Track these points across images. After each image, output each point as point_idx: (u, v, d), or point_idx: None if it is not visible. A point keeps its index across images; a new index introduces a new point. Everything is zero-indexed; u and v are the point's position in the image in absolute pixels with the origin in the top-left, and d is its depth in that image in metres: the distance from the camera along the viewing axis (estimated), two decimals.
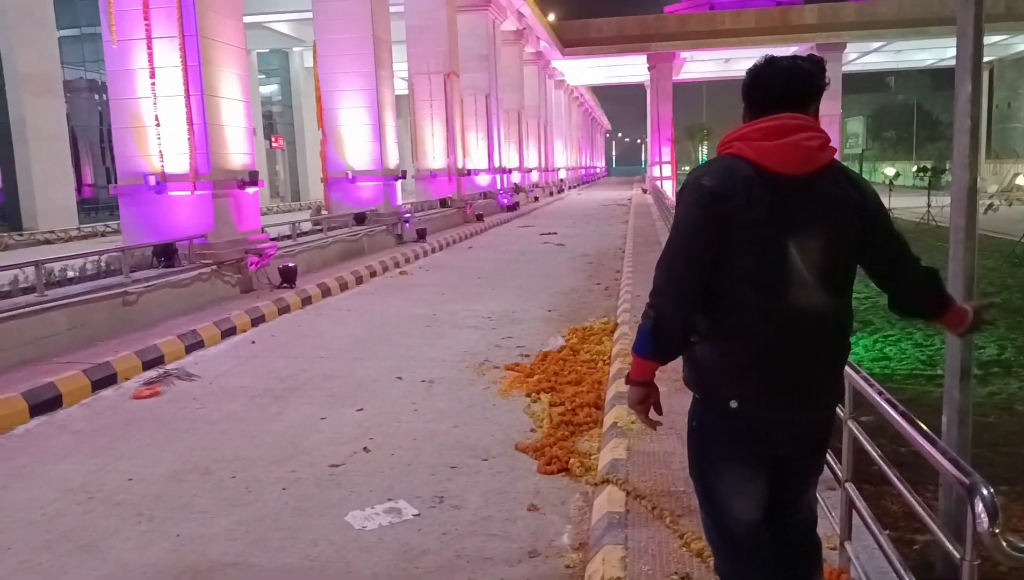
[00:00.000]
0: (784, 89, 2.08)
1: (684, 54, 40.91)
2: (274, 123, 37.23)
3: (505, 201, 28.16)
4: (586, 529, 3.66)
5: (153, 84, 10.02)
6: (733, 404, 2.07)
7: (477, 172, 27.08)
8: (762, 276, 2.02)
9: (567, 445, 4.73)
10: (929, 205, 20.97)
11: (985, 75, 43.60)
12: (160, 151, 10.12)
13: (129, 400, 6.17)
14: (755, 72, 2.14)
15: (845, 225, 2.07)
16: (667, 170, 41.49)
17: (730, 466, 2.17)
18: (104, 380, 6.48)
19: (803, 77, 2.09)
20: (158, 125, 10.07)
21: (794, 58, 2.14)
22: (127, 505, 4.14)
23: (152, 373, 6.86)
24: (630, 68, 47.38)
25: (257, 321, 9.02)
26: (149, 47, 9.97)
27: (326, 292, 10.95)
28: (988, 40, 36.22)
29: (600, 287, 10.90)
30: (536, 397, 5.79)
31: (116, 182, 10.66)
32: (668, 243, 2.13)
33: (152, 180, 10.13)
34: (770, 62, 2.13)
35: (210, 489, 4.32)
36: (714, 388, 2.12)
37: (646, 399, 2.21)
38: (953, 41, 3.21)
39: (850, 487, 2.85)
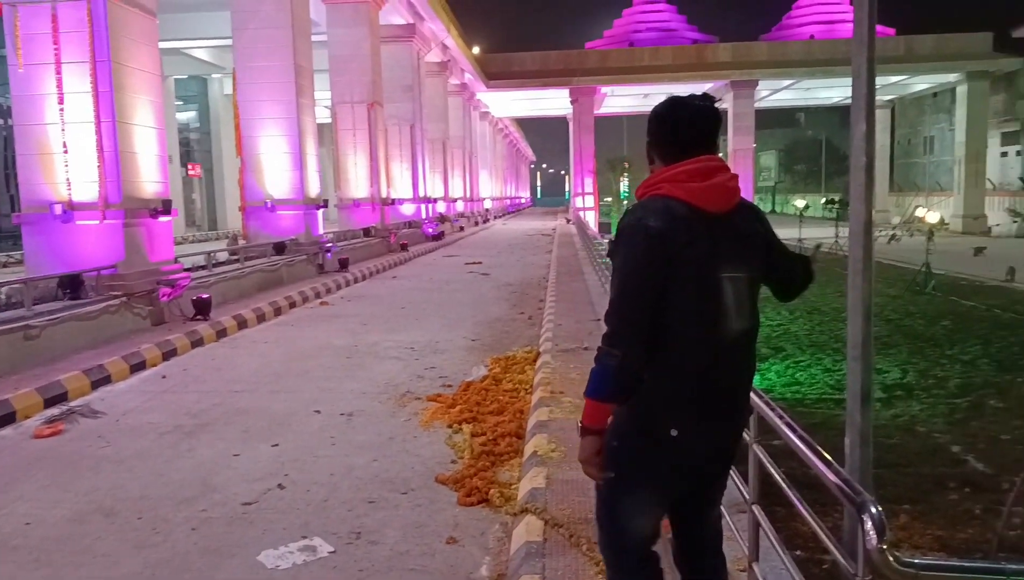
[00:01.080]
0: (697, 130, 2.22)
1: (605, 89, 41.86)
2: (191, 150, 36.31)
3: (430, 230, 28.13)
4: (504, 560, 3.65)
5: (62, 110, 9.69)
6: (674, 433, 2.16)
7: (401, 201, 26.99)
8: (702, 309, 2.14)
9: (488, 476, 4.72)
10: (837, 235, 21.91)
11: (887, 113, 46.20)
12: (68, 179, 9.77)
13: (29, 439, 5.85)
14: (666, 115, 2.25)
15: (758, 255, 2.26)
16: (590, 201, 42.22)
17: (646, 488, 2.27)
18: (2, 419, 6.14)
19: (714, 117, 2.25)
20: (66, 152, 9.73)
21: (695, 98, 2.27)
22: (23, 550, 3.92)
23: (54, 410, 6.54)
24: (553, 101, 48.22)
25: (168, 355, 8.72)
26: (58, 72, 9.66)
27: (242, 324, 10.69)
28: (888, 80, 38.44)
29: (524, 316, 10.97)
30: (458, 428, 5.77)
31: (20, 210, 10.21)
32: (619, 285, 2.17)
33: (58, 209, 9.75)
34: (678, 104, 2.25)
35: (115, 531, 4.13)
36: (653, 419, 2.18)
37: (600, 450, 2.19)
38: None
39: (756, 509, 2.93)
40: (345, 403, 6.59)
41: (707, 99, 2.27)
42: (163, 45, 12.00)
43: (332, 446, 5.50)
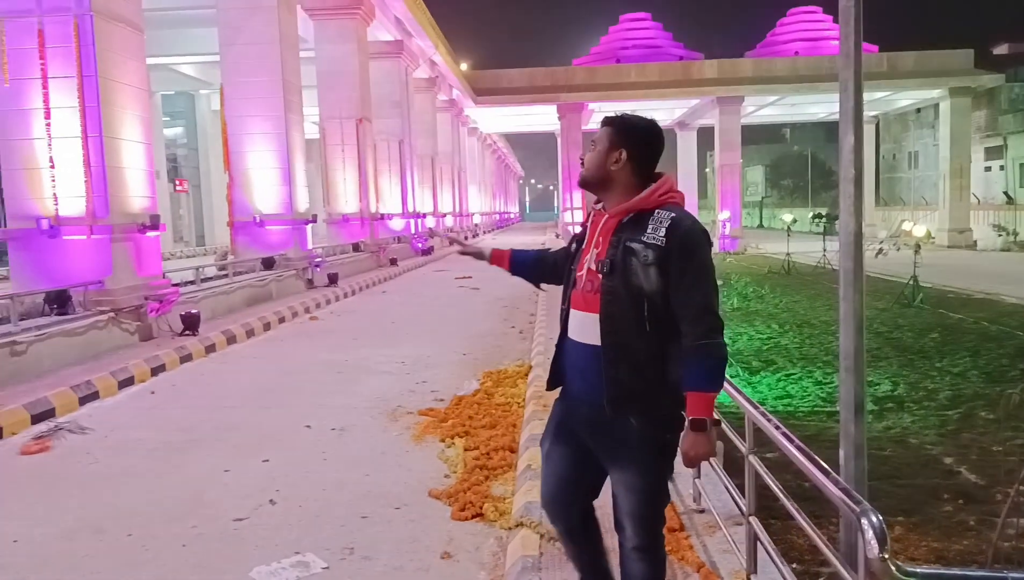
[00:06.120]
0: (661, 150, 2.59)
1: (592, 105, 42.09)
2: (179, 166, 36.18)
3: (419, 245, 28.11)
4: (500, 574, 3.62)
5: (48, 125, 9.63)
6: (684, 413, 2.46)
7: (391, 216, 26.98)
8: None
9: (481, 490, 4.69)
10: (825, 249, 22.04)
11: (872, 129, 46.67)
12: (54, 194, 9.69)
13: (16, 456, 5.78)
14: (659, 136, 2.57)
15: None
16: (578, 216, 42.33)
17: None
18: None
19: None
20: (52, 167, 9.66)
21: (655, 121, 2.61)
22: (10, 569, 3.86)
23: (42, 427, 6.46)
24: (541, 117, 48.42)
25: (157, 370, 8.65)
26: (45, 87, 9.60)
27: (231, 339, 10.62)
28: (873, 96, 38.85)
29: (515, 330, 10.96)
30: (450, 442, 5.74)
31: (5, 226, 10.14)
32: (708, 283, 2.40)
33: (45, 224, 9.67)
34: (658, 127, 2.59)
35: (104, 548, 4.07)
36: (680, 405, 2.45)
37: None
38: None
39: (754, 521, 2.92)
40: (336, 418, 6.55)
41: None
42: (150, 61, 11.98)
43: (323, 461, 5.45)
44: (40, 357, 8.04)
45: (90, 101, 9.63)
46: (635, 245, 2.39)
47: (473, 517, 4.33)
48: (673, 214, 2.40)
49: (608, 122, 2.56)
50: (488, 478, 4.92)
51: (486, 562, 3.79)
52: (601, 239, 2.50)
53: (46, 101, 9.63)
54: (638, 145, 2.50)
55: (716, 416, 2.69)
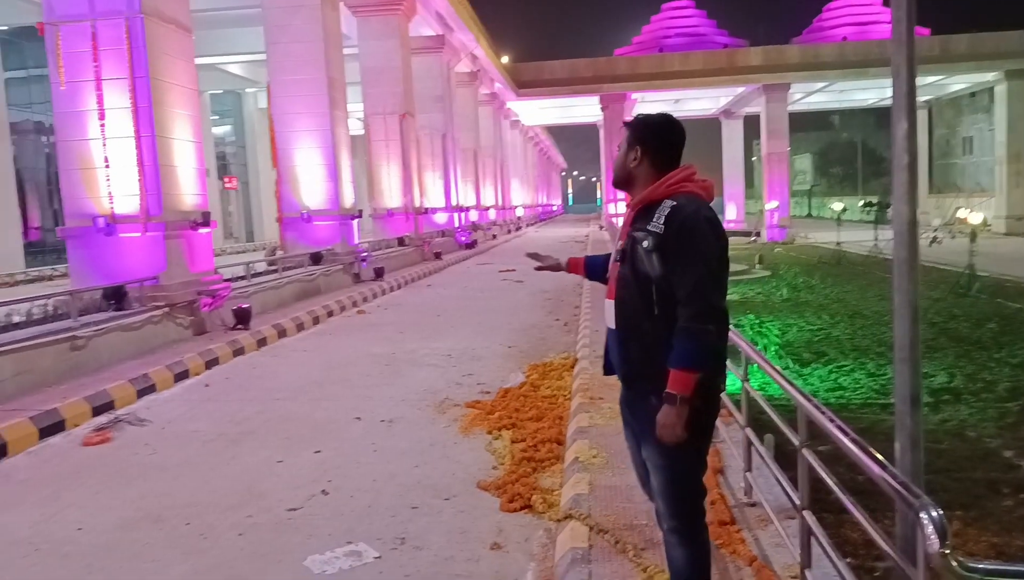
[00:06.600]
0: (684, 144, 2.71)
1: (635, 95, 41.74)
2: (227, 164, 36.94)
3: (463, 239, 28.24)
4: (550, 566, 3.64)
5: (102, 125, 9.89)
6: (721, 389, 2.70)
7: (434, 210, 27.16)
8: (726, 283, 2.61)
9: (529, 482, 4.70)
10: (876, 238, 21.56)
11: (924, 114, 45.44)
12: (109, 193, 9.96)
13: (78, 447, 5.98)
14: (672, 129, 2.70)
15: None
16: (622, 208, 42.10)
17: (708, 439, 2.77)
18: (52, 427, 6.28)
19: (685, 135, 2.73)
20: (107, 166, 9.93)
21: (672, 117, 2.76)
22: (75, 556, 4.00)
23: (102, 419, 6.67)
24: (583, 108, 48.22)
25: (211, 364, 8.85)
26: (98, 89, 9.87)
27: (282, 333, 10.81)
28: (925, 81, 37.81)
29: (559, 323, 10.95)
30: (497, 434, 5.77)
31: (64, 224, 10.44)
32: (700, 268, 2.49)
33: (101, 222, 9.95)
34: (675, 123, 2.72)
35: (163, 537, 4.19)
36: (711, 380, 2.60)
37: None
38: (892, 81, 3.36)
39: (808, 515, 2.88)
40: (385, 410, 6.63)
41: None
42: (198, 61, 12.19)
43: (374, 452, 5.53)
44: (99, 351, 8.28)
45: (142, 101, 9.87)
46: (639, 233, 2.59)
47: (522, 508, 4.35)
48: (675, 202, 2.55)
49: (625, 124, 2.81)
50: (536, 470, 4.93)
51: (536, 553, 3.81)
52: (624, 231, 2.72)
53: (100, 102, 9.89)
54: (652, 141, 2.67)
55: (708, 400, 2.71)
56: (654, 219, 2.53)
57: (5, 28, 21.45)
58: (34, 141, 26.77)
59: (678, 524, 2.67)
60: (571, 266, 3.23)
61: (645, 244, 2.54)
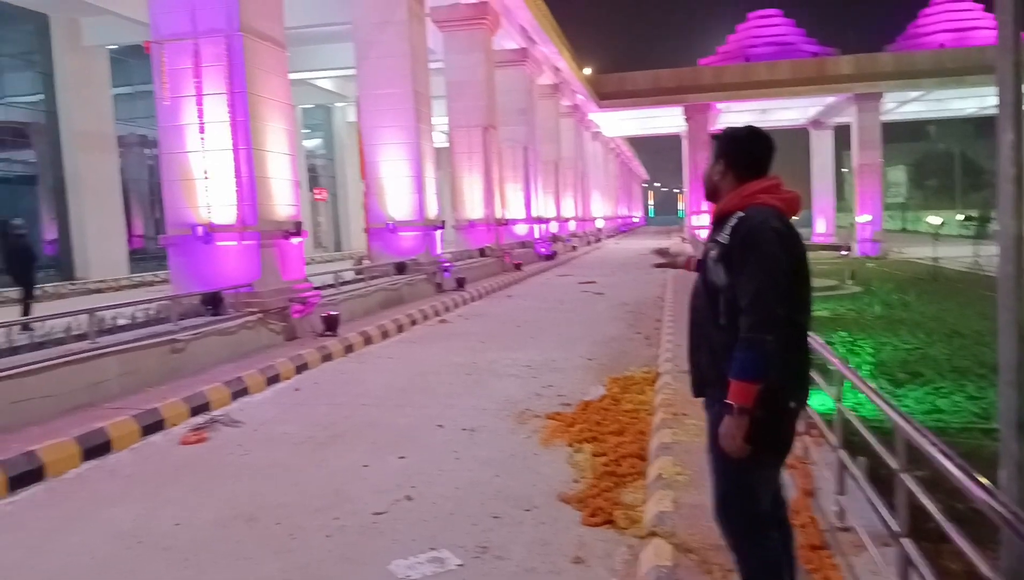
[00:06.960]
0: (770, 155, 2.71)
1: (720, 105, 41.09)
2: (317, 175, 38.10)
3: (543, 250, 28.31)
4: None
5: (202, 138, 10.36)
6: (792, 405, 2.62)
7: (515, 222, 27.34)
8: (805, 298, 2.60)
9: (611, 496, 4.67)
10: (978, 254, 20.58)
11: None
12: (208, 203, 10.42)
13: (176, 446, 6.26)
14: (754, 141, 2.71)
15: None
16: (706, 220, 41.42)
17: (776, 456, 2.71)
18: (152, 426, 6.61)
19: (774, 146, 2.73)
20: (206, 178, 10.39)
21: (761, 131, 2.76)
22: (174, 550, 4.19)
23: (199, 419, 6.97)
24: (665, 119, 47.75)
25: (301, 368, 9.14)
26: (199, 103, 10.35)
27: (368, 340, 11.07)
28: None
29: (640, 336, 10.84)
30: (578, 447, 5.75)
31: (165, 233, 10.96)
32: (761, 279, 2.47)
33: (200, 231, 10.41)
34: (760, 134, 2.73)
35: (255, 536, 4.35)
36: (777, 394, 2.55)
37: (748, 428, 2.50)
38: (994, 90, 3.23)
39: (907, 543, 2.78)
40: (467, 419, 6.71)
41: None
42: (291, 76, 12.67)
43: (456, 460, 5.60)
44: (197, 354, 8.66)
45: (240, 116, 10.31)
46: (710, 244, 2.66)
47: (603, 523, 4.32)
48: (743, 214, 2.57)
49: (712, 136, 2.85)
50: (617, 485, 4.90)
51: (618, 569, 3.78)
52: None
53: (200, 117, 10.37)
54: (734, 153, 2.72)
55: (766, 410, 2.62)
56: (724, 230, 2.59)
57: (115, 47, 22.74)
58: (138, 153, 28.28)
59: (732, 542, 2.68)
60: (688, 265, 3.31)
61: (713, 254, 2.60)
